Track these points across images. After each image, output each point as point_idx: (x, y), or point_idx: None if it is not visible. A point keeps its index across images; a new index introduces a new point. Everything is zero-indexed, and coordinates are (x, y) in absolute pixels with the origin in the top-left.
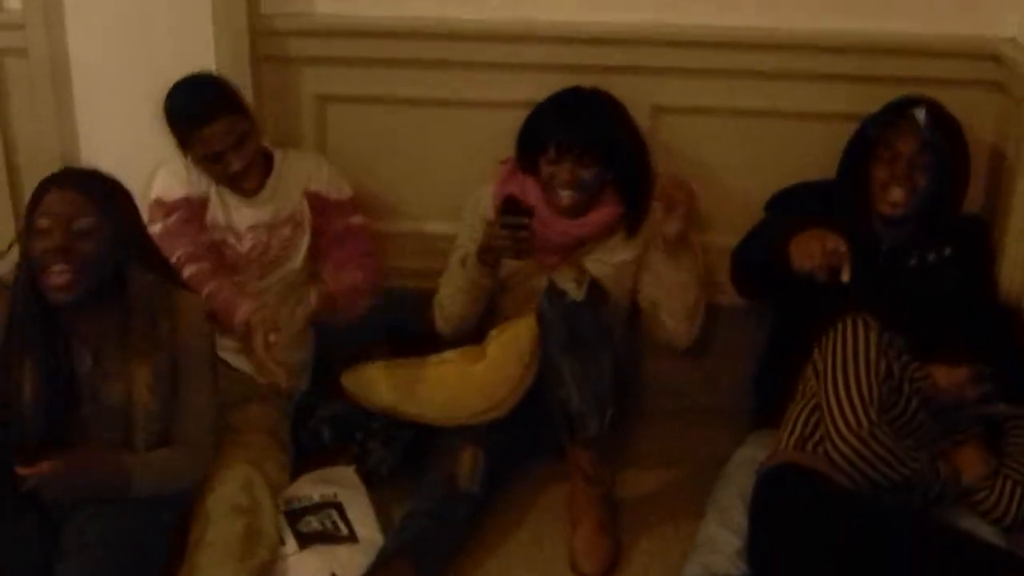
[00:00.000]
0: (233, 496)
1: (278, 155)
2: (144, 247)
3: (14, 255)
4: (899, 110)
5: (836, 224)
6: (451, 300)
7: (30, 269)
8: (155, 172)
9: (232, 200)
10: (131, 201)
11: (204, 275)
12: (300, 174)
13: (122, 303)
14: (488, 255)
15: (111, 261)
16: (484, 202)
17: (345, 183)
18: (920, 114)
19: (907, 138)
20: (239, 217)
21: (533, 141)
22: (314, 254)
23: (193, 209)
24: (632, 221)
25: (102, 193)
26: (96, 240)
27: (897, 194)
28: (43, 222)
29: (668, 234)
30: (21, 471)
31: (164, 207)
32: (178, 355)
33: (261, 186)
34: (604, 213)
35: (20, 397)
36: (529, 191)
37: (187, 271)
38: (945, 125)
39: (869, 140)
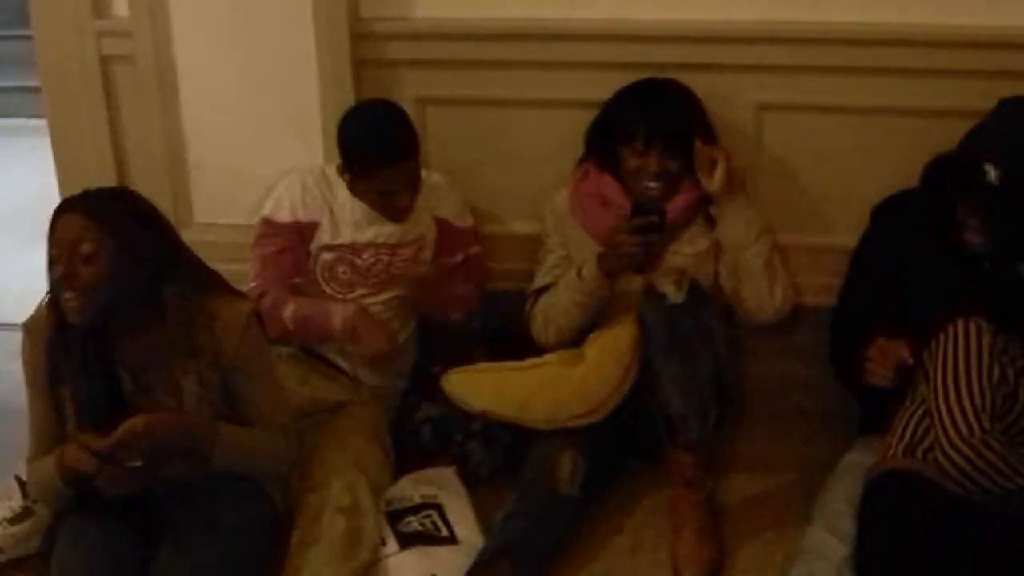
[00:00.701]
0: (336, 498)
1: (423, 178)
2: (174, 260)
3: None
4: (973, 161)
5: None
6: (565, 314)
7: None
8: (275, 185)
9: (362, 217)
10: (151, 216)
11: (283, 298)
12: (432, 198)
13: (160, 318)
14: (612, 264)
15: (125, 282)
16: (560, 206)
17: (469, 212)
18: (992, 171)
19: (975, 195)
20: (363, 235)
21: (614, 133)
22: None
23: (300, 235)
24: (709, 206)
25: (108, 214)
26: (100, 263)
27: (976, 238)
28: (53, 250)
29: (714, 190)
30: (95, 445)
31: (270, 227)
32: (224, 360)
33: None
34: (681, 201)
35: (65, 425)
36: (606, 188)
37: (267, 299)
38: (1021, 173)
39: (946, 186)
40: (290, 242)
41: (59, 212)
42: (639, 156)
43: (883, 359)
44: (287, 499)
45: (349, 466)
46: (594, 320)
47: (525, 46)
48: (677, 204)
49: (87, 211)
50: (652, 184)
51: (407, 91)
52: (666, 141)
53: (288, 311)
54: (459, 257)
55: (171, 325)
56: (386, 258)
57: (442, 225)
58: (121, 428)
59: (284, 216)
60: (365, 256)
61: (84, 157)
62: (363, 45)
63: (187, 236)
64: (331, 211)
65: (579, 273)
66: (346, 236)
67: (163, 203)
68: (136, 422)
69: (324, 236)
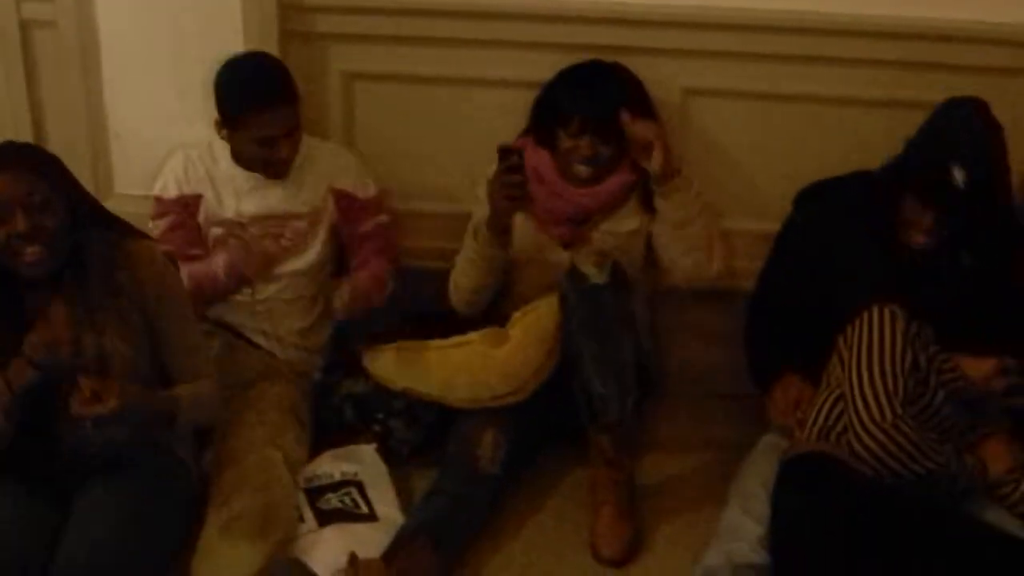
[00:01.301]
0: (250, 474)
1: (307, 141)
2: (84, 202)
3: None
4: (939, 163)
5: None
6: (463, 274)
7: None
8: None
9: (245, 186)
10: (59, 163)
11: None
12: (328, 168)
13: (79, 264)
14: (494, 218)
15: (76, 226)
16: None
17: (371, 180)
18: (959, 175)
19: (940, 202)
20: (246, 205)
21: (553, 112)
22: (339, 252)
23: (188, 209)
24: (646, 190)
25: (42, 163)
26: (55, 211)
27: (920, 238)
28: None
29: (653, 171)
30: (82, 410)
31: (160, 205)
32: (146, 301)
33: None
34: (616, 182)
35: None
36: (542, 164)
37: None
38: (984, 175)
39: (901, 176)
40: (180, 217)
41: None
42: (572, 138)
43: (784, 403)
44: (200, 471)
45: (265, 443)
46: (496, 283)
47: (457, 23)
48: (611, 185)
49: (22, 165)
50: (582, 167)
51: (335, 65)
52: (599, 126)
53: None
54: (367, 227)
55: (91, 269)
56: (275, 229)
57: (341, 197)
58: (105, 404)
59: (171, 192)
60: (253, 230)
61: (1, 124)
62: (291, 17)
63: (108, 206)
64: (214, 183)
65: (475, 235)
66: (230, 208)
67: (83, 172)
68: (116, 401)
69: (209, 209)
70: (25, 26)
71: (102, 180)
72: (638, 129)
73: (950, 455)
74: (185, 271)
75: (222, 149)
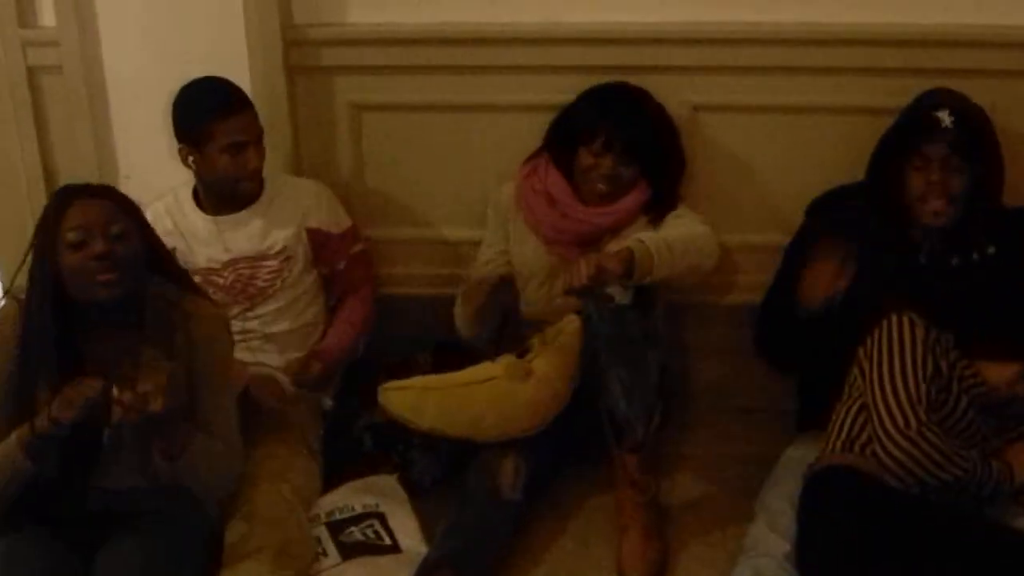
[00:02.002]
0: (261, 511)
1: (273, 179)
2: (163, 254)
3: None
4: (921, 114)
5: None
6: (462, 319)
7: (48, 286)
8: None
9: (213, 232)
10: (139, 209)
11: None
12: (298, 205)
13: (136, 318)
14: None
15: (150, 261)
16: (504, 200)
17: (343, 212)
18: (944, 116)
19: (934, 144)
20: (215, 250)
21: (575, 130)
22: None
23: None
24: (657, 209)
25: (125, 201)
26: (132, 242)
27: (937, 204)
28: (75, 235)
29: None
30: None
31: None
32: (194, 362)
33: (247, 203)
34: (629, 202)
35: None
36: (554, 185)
37: None
38: (971, 119)
39: (897, 149)
40: None
41: (65, 202)
42: (595, 156)
43: (819, 279)
44: (213, 520)
45: (273, 477)
46: (497, 320)
47: (459, 51)
48: (623, 205)
49: (105, 196)
50: (601, 185)
51: (341, 97)
52: (624, 147)
53: None
54: (341, 264)
55: (150, 321)
56: (247, 272)
57: (315, 235)
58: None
59: None
60: (225, 274)
61: (13, 168)
62: (296, 51)
63: None
64: (183, 233)
65: (463, 299)
66: (202, 256)
67: None
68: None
69: (184, 259)
70: (32, 72)
71: None
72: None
73: (976, 461)
74: None
75: (187, 197)
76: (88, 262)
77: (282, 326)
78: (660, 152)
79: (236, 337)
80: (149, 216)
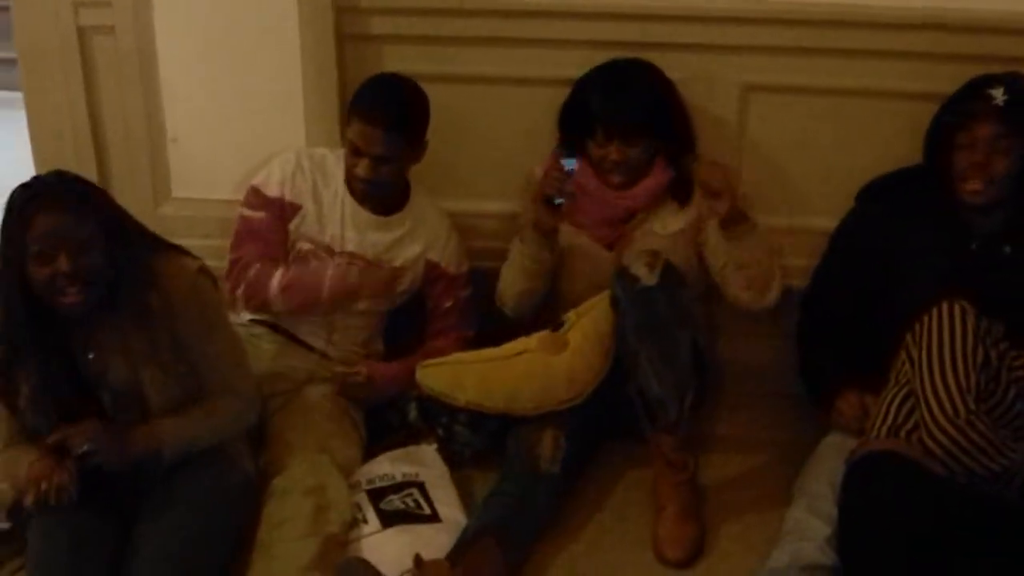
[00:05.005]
0: (299, 478)
1: (419, 193)
2: (123, 229)
3: None
4: (975, 91)
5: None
6: (511, 278)
7: (19, 279)
8: (271, 157)
9: (356, 219)
10: (101, 193)
11: (268, 267)
12: (430, 233)
13: (112, 289)
14: (540, 220)
15: (115, 262)
16: (535, 182)
17: (465, 256)
18: (997, 93)
19: (984, 121)
20: (349, 237)
21: (578, 124)
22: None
23: (283, 212)
24: (680, 188)
25: (82, 200)
26: (96, 248)
27: (975, 182)
28: (39, 247)
29: (721, 217)
30: (60, 435)
31: (257, 197)
32: (177, 320)
33: (388, 211)
34: (651, 183)
35: (18, 401)
36: (580, 174)
37: (251, 270)
38: (1020, 85)
39: (947, 124)
40: (271, 216)
41: (28, 209)
42: (601, 147)
43: (851, 413)
44: (256, 472)
45: (314, 447)
46: (545, 287)
47: (508, 23)
48: (645, 187)
49: (63, 205)
50: (615, 174)
51: (389, 66)
52: (624, 130)
53: (276, 278)
54: (448, 302)
55: (122, 293)
56: (356, 270)
57: (432, 268)
58: (83, 425)
59: (272, 190)
60: (337, 260)
61: (61, 130)
62: (347, 19)
63: (165, 210)
64: (319, 200)
65: (521, 238)
66: (331, 233)
67: (141, 177)
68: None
69: (307, 224)
70: (83, 32)
71: (159, 184)
72: (707, 177)
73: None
74: (282, 273)
75: (336, 166)
76: (54, 279)
77: (348, 322)
78: (667, 123)
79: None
80: (291, 165)
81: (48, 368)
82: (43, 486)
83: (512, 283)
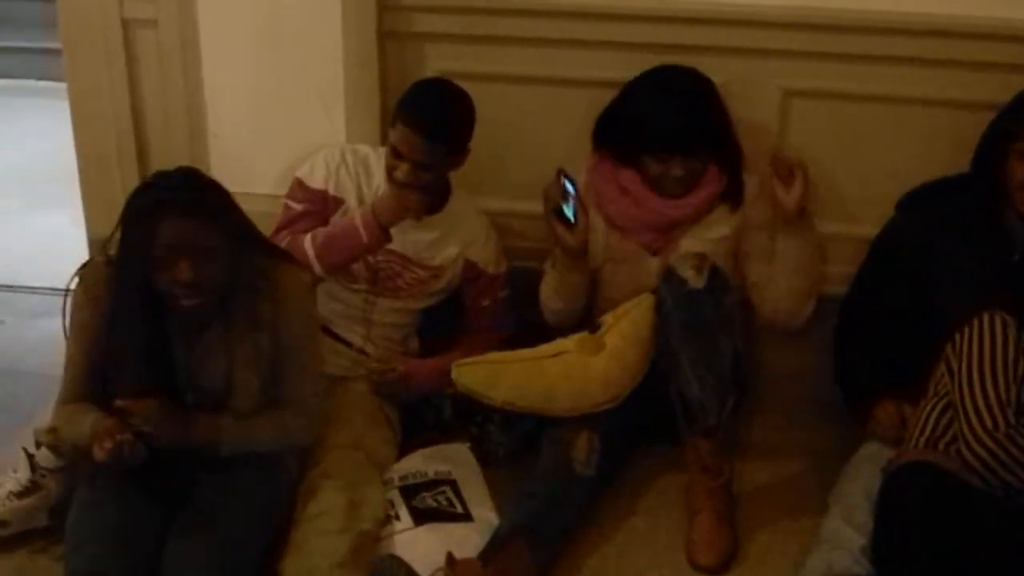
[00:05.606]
0: (334, 474)
1: (459, 192)
2: (247, 234)
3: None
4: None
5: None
6: (550, 299)
7: (139, 276)
8: (315, 152)
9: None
10: (226, 195)
11: (299, 236)
12: (468, 232)
13: (227, 295)
14: (559, 239)
15: (236, 268)
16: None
17: (503, 256)
18: None
19: None
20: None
21: (626, 136)
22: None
23: (325, 205)
24: (734, 194)
25: (213, 210)
26: (219, 257)
27: None
28: (164, 252)
29: (789, 207)
30: (125, 404)
31: (302, 189)
32: (281, 331)
33: (428, 211)
34: (703, 195)
35: (122, 383)
36: (625, 180)
37: (283, 241)
38: None
39: (1004, 133)
40: (315, 208)
41: (158, 213)
42: (662, 163)
43: (889, 423)
44: (291, 482)
45: (348, 443)
46: (584, 302)
47: (548, 23)
48: (699, 196)
49: (190, 211)
50: (678, 189)
51: (431, 64)
52: (686, 147)
53: (307, 240)
54: (486, 301)
55: (238, 297)
56: (396, 268)
57: (470, 268)
58: (145, 403)
59: (316, 182)
60: (379, 256)
61: (103, 121)
62: (389, 16)
63: None
64: (361, 197)
65: (553, 263)
66: None
67: None
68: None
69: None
70: (127, 25)
71: None
72: (780, 163)
73: None
74: (312, 234)
75: (377, 165)
76: (173, 284)
77: (386, 318)
78: (724, 131)
79: (336, 305)
80: (336, 159)
81: (149, 361)
82: (118, 438)
83: (547, 301)
